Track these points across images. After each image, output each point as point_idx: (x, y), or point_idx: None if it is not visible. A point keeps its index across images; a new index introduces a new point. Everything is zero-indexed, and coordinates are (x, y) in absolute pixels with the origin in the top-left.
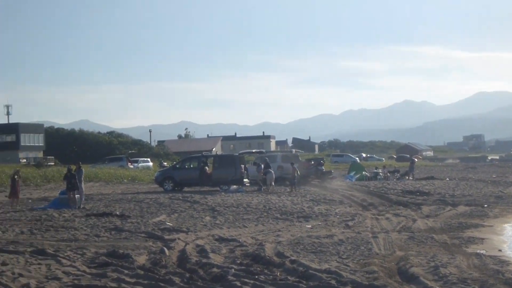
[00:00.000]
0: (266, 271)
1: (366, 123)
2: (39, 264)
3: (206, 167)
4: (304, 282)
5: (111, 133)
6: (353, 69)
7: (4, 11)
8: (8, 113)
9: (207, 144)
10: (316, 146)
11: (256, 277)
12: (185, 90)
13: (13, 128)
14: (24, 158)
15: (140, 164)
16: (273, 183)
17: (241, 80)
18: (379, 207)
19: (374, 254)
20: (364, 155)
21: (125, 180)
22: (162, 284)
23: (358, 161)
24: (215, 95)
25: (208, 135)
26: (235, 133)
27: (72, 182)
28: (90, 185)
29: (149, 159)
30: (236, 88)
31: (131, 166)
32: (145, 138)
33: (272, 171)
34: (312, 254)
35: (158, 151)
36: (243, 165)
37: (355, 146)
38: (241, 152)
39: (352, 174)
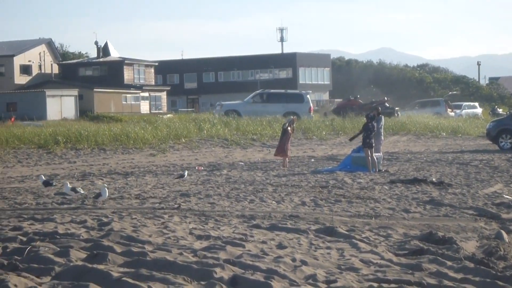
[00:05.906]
0: None
1: None
2: (327, 248)
3: None
4: None
5: (423, 67)
6: None
7: None
8: (282, 39)
9: None
10: None
11: None
12: None
13: (289, 60)
14: None
15: (463, 110)
16: None
17: None
18: None
19: None
20: None
21: (444, 134)
22: (501, 283)
23: None
24: None
25: None
26: None
27: (371, 136)
28: (395, 139)
29: (477, 104)
30: None
31: (452, 114)
32: (472, 74)
33: None
34: None
35: (489, 92)
36: None
37: None
38: None
39: None
